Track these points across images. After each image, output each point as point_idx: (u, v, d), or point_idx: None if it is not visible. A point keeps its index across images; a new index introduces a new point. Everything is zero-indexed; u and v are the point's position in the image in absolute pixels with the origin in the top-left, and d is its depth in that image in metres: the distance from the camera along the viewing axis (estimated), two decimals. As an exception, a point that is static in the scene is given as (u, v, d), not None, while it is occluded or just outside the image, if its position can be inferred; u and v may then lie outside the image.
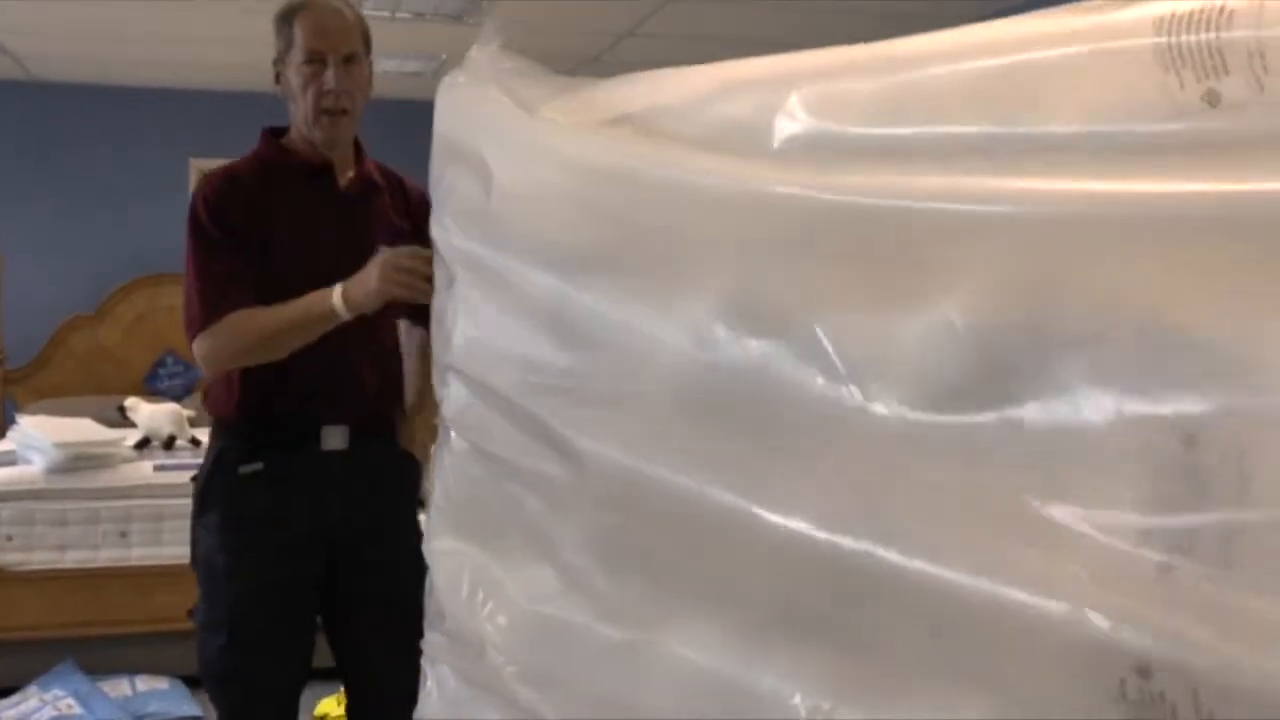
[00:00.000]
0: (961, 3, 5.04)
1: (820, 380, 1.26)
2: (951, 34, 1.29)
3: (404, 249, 2.28)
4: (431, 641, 2.00)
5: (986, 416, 1.11)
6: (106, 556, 4.73)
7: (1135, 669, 0.92)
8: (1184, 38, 1.00)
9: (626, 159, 1.57)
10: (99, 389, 6.35)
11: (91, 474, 4.82)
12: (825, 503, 1.24)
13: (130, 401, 5.54)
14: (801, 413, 1.29)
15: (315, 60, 2.52)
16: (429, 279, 2.13)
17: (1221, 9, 0.98)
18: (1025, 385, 1.08)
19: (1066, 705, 1.00)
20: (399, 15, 5.33)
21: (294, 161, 2.63)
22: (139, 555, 4.72)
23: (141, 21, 5.60)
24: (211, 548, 2.59)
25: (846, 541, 1.20)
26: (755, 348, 1.35)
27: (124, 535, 4.76)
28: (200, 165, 6.97)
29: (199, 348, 2.52)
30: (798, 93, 1.39)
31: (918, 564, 1.13)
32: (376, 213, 2.67)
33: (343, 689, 2.82)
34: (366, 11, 5.23)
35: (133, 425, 5.38)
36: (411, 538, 2.67)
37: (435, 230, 2.00)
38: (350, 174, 2.67)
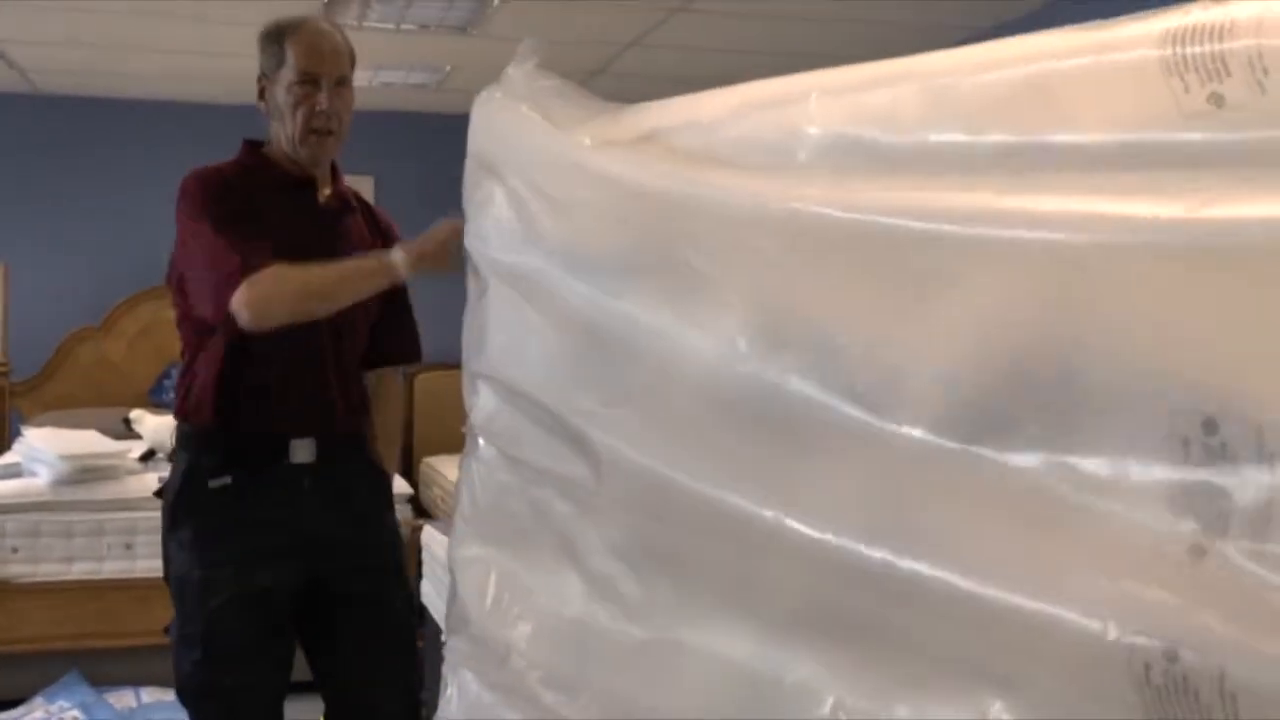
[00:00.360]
0: (963, 15, 5.06)
1: (841, 398, 1.28)
2: (970, 50, 1.31)
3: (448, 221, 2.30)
4: (454, 648, 2.01)
5: (1006, 430, 1.13)
6: (112, 568, 4.74)
7: (1162, 653, 0.94)
8: (1189, 48, 1.03)
9: (656, 178, 1.59)
10: (104, 401, 6.35)
11: (97, 486, 4.82)
12: (847, 511, 1.26)
13: (135, 413, 5.54)
14: (823, 426, 1.31)
15: (308, 81, 2.54)
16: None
17: (1223, 20, 1.02)
18: (1045, 396, 1.10)
19: (1090, 694, 1.01)
20: (404, 27, 5.34)
21: (278, 173, 2.63)
22: (144, 567, 4.71)
23: (146, 35, 5.62)
24: (185, 562, 2.57)
25: (868, 549, 1.22)
26: (778, 362, 1.37)
27: (129, 547, 4.76)
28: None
29: (245, 296, 2.36)
30: (822, 107, 1.41)
31: (937, 565, 1.15)
32: (351, 230, 2.70)
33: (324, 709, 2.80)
34: (371, 23, 5.27)
35: (138, 437, 5.38)
36: (388, 547, 2.75)
37: (471, 241, 2.02)
38: (328, 190, 2.69)
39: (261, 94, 2.64)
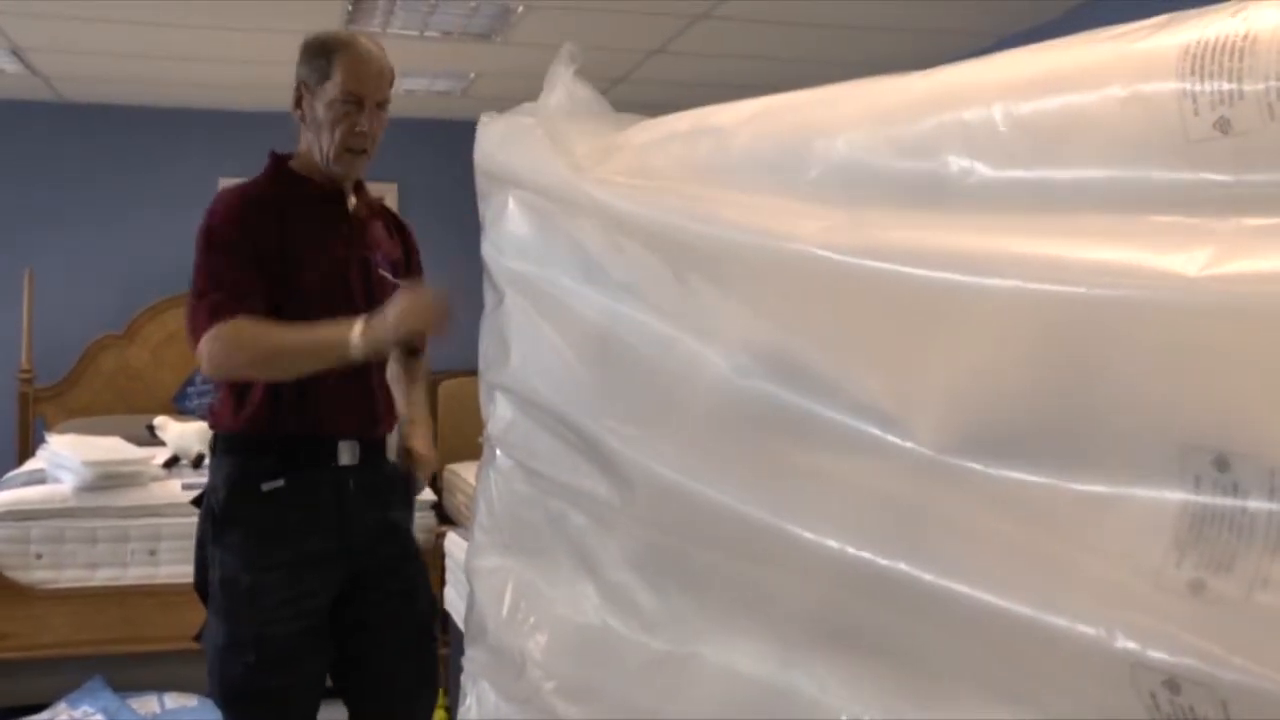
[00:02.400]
0: (988, 22, 5.04)
1: (851, 414, 1.28)
2: (986, 67, 1.28)
3: (421, 289, 2.45)
4: (472, 658, 2.01)
5: (1015, 452, 1.13)
6: (136, 574, 4.75)
7: (1165, 684, 0.94)
8: (1206, 66, 1.00)
9: (657, 215, 1.58)
10: (128, 408, 6.38)
11: (121, 492, 4.84)
12: (860, 524, 1.25)
13: (159, 420, 5.56)
14: (835, 441, 1.31)
15: (351, 101, 2.60)
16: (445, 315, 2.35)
17: (1245, 35, 0.98)
18: (1055, 424, 1.10)
19: (1100, 718, 1.01)
20: (427, 34, 5.35)
21: (307, 185, 2.69)
22: (168, 573, 4.73)
23: (170, 43, 5.64)
24: (233, 566, 2.59)
25: (883, 562, 1.21)
26: (787, 380, 1.37)
27: (153, 553, 4.77)
28: (229, 185, 7.01)
29: (206, 347, 2.48)
30: (835, 124, 1.40)
31: (951, 584, 1.14)
32: (375, 238, 2.77)
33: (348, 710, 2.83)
34: (395, 30, 5.28)
35: (162, 444, 5.40)
36: (413, 542, 2.86)
37: (487, 250, 2.02)
38: (354, 199, 2.74)
39: (299, 102, 2.67)
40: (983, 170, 1.20)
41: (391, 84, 2.71)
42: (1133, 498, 1.03)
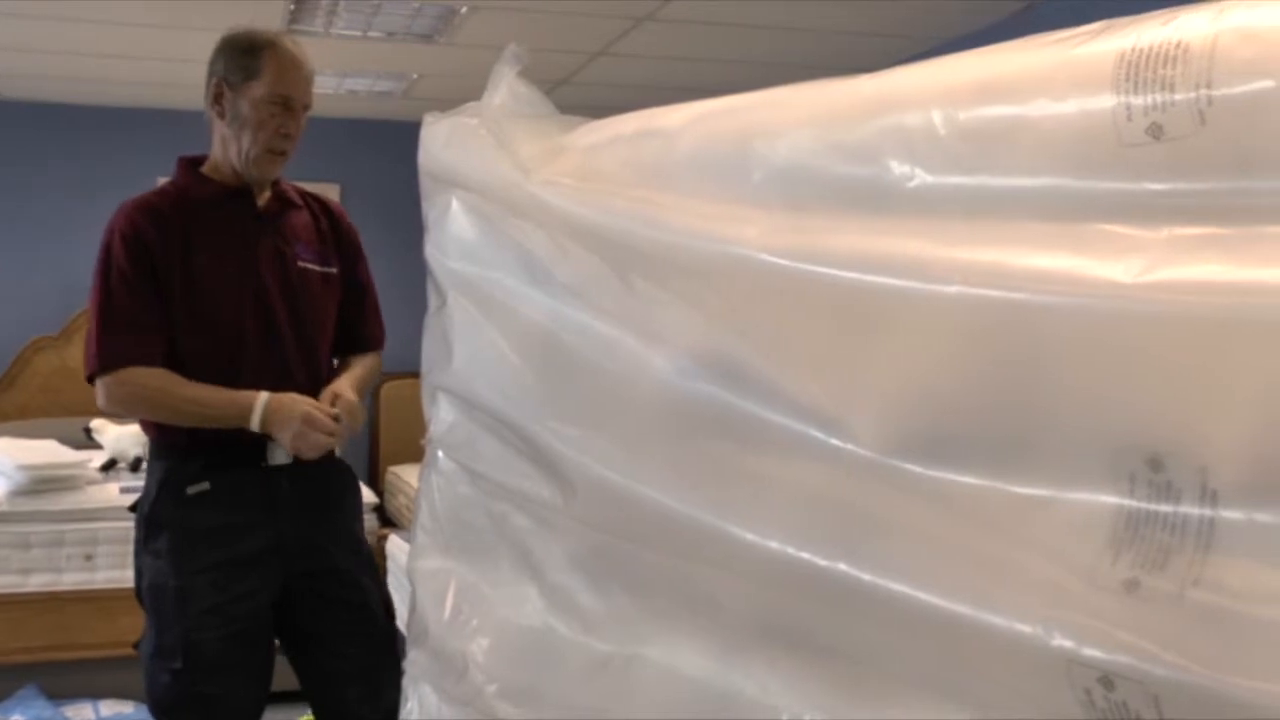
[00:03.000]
0: (933, 26, 5.08)
1: (792, 417, 1.29)
2: (926, 71, 1.29)
3: (325, 410, 2.51)
4: (414, 660, 2.00)
5: (952, 453, 1.14)
6: (71, 580, 4.68)
7: (1099, 680, 0.96)
8: (1141, 71, 1.02)
9: (606, 215, 1.58)
10: (64, 411, 6.29)
11: (56, 496, 4.76)
12: (798, 524, 1.26)
13: (96, 423, 5.49)
14: (776, 443, 1.31)
15: (278, 102, 2.57)
16: (333, 434, 2.51)
17: (1178, 43, 1.00)
18: (993, 427, 1.12)
19: (1037, 715, 1.03)
20: (370, 35, 5.32)
21: (212, 187, 2.65)
22: (104, 578, 4.67)
23: (109, 41, 5.58)
24: (161, 572, 2.54)
25: (822, 562, 1.22)
26: (729, 382, 1.38)
27: (89, 558, 4.70)
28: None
29: (100, 391, 2.54)
30: (779, 128, 1.41)
31: (890, 584, 1.15)
32: (294, 229, 2.71)
33: (310, 712, 2.79)
34: (338, 31, 5.25)
35: (99, 447, 5.33)
36: (362, 548, 2.78)
37: (430, 251, 2.01)
38: (267, 194, 2.71)
39: (218, 99, 2.63)
40: (923, 175, 1.21)
41: (312, 86, 2.68)
42: (1070, 498, 1.04)
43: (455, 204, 1.90)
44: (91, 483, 4.96)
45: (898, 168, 1.23)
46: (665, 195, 1.52)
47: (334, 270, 2.74)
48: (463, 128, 1.92)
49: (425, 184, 2.03)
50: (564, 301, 1.63)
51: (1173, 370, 0.97)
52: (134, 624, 4.52)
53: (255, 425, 2.46)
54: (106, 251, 2.57)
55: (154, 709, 2.60)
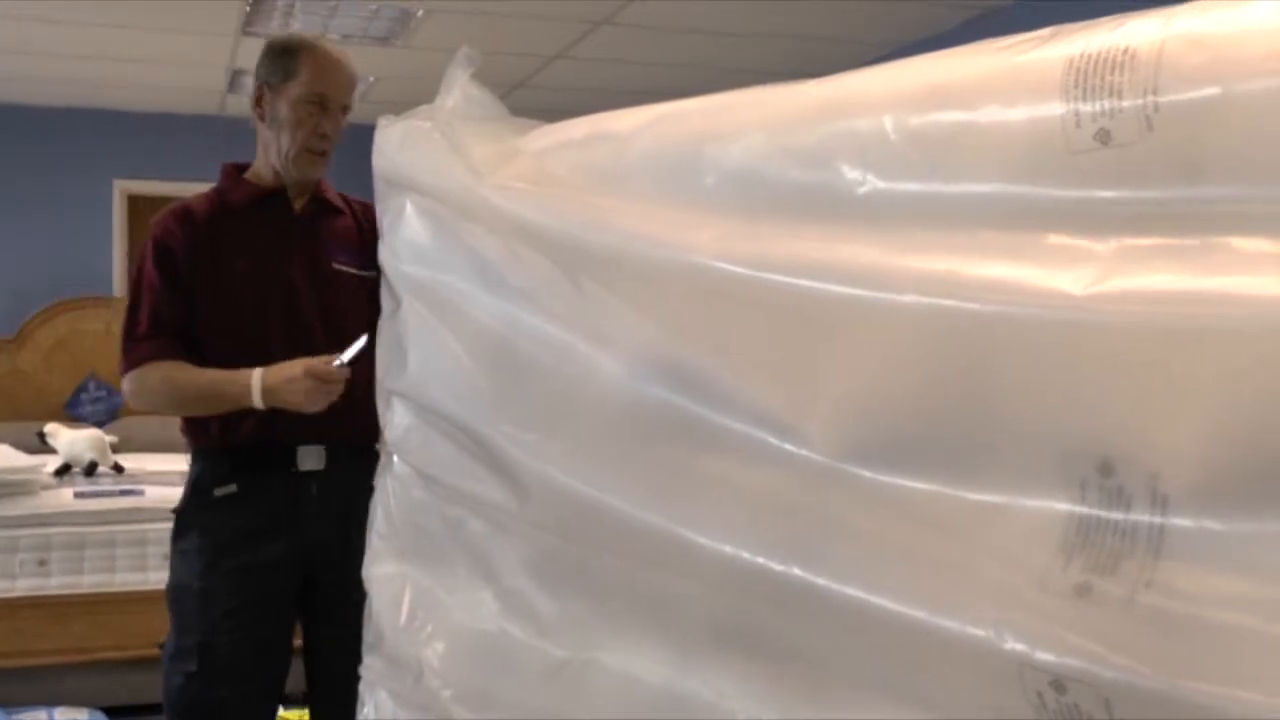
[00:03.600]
0: (893, 30, 5.11)
1: (746, 422, 1.29)
2: (877, 76, 1.29)
3: (324, 359, 2.47)
4: (370, 666, 1.99)
5: (904, 466, 1.15)
6: (25, 586, 4.63)
7: (1051, 684, 0.96)
8: (1089, 78, 1.02)
9: (559, 220, 1.57)
10: (18, 415, 6.23)
11: (9, 501, 4.72)
12: (752, 529, 1.26)
13: (50, 427, 5.44)
14: (730, 447, 1.32)
15: (316, 102, 2.61)
16: (341, 380, 2.45)
17: (1125, 49, 1.01)
18: (944, 431, 1.12)
19: (991, 718, 1.03)
20: (327, 37, 5.30)
21: (248, 190, 2.70)
22: (58, 584, 4.63)
23: (62, 40, 5.53)
24: (185, 573, 2.60)
25: (775, 565, 1.22)
26: (682, 387, 1.38)
27: (43, 564, 4.66)
28: (125, 187, 6.89)
29: (125, 386, 2.65)
30: (732, 132, 1.41)
31: (844, 588, 1.15)
32: (332, 232, 2.74)
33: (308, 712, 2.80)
34: (293, 30, 5.22)
35: (53, 451, 5.28)
36: None
37: (383, 254, 2.00)
38: (305, 198, 2.74)
39: (259, 101, 2.68)
40: (875, 181, 1.21)
41: (354, 89, 2.73)
42: (1022, 504, 1.05)
43: (409, 207, 1.90)
44: (46, 488, 4.92)
45: (849, 173, 1.23)
46: (617, 200, 1.51)
47: (374, 274, 2.74)
48: (416, 131, 1.91)
49: (379, 188, 2.02)
50: (517, 305, 1.63)
51: (1123, 378, 0.98)
52: (87, 631, 4.51)
53: (257, 399, 2.47)
54: (140, 257, 2.65)
55: (168, 711, 2.63)
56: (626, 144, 1.57)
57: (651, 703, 1.43)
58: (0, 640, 4.51)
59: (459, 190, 1.74)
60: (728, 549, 1.28)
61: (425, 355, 1.85)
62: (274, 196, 2.69)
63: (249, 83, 6.22)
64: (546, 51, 5.65)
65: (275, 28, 5.17)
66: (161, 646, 2.66)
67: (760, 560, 1.24)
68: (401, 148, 1.94)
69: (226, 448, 2.61)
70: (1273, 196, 0.92)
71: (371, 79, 6.00)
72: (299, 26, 5.18)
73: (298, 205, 2.71)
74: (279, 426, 2.58)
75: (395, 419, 1.96)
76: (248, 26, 5.20)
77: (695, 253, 1.35)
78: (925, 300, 1.11)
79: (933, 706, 1.11)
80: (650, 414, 1.41)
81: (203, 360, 2.57)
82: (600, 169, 1.59)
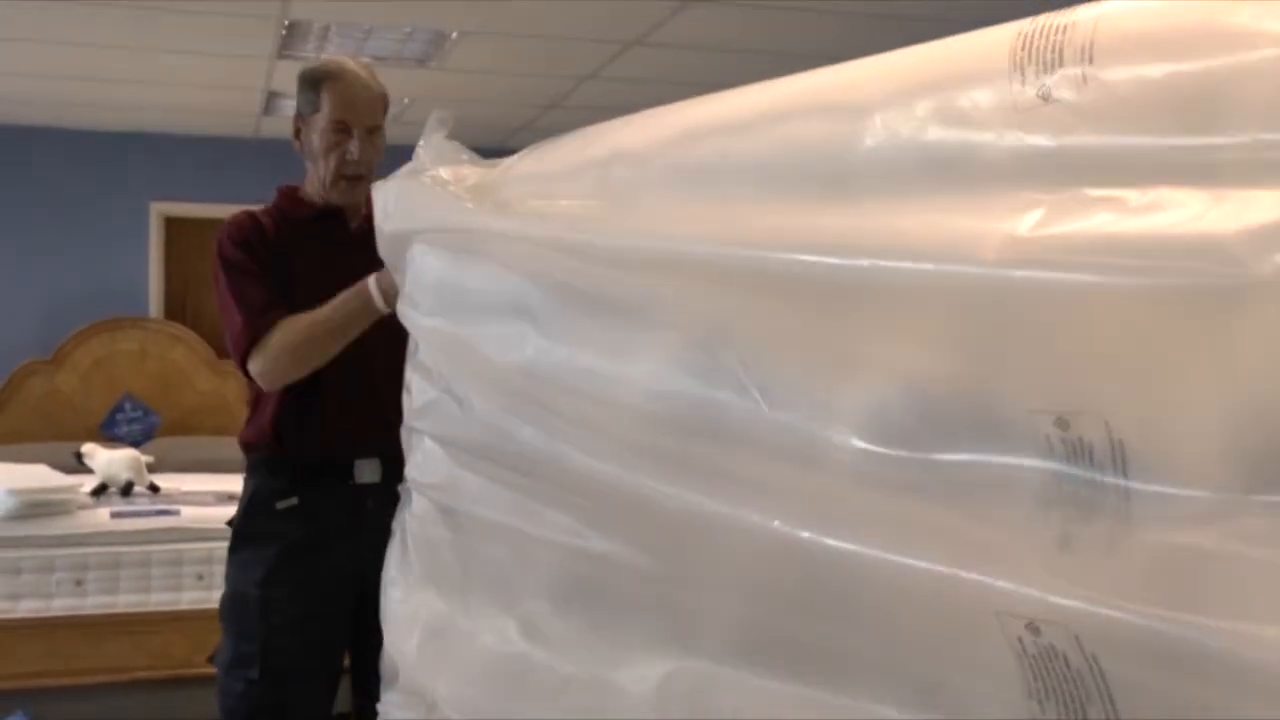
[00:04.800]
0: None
1: (776, 417, 1.30)
2: (866, 65, 1.33)
3: None
4: (387, 700, 2.01)
5: (921, 454, 1.17)
6: (61, 605, 4.65)
7: (1026, 626, 1.00)
8: (1035, 41, 1.07)
9: (570, 232, 1.59)
10: (55, 435, 6.27)
11: (46, 521, 4.75)
12: (781, 515, 1.27)
13: (87, 447, 5.48)
14: (758, 443, 1.32)
15: (341, 130, 2.68)
16: None
17: (1069, 16, 1.06)
18: (939, 409, 1.15)
19: (979, 664, 1.08)
20: (361, 59, 5.33)
21: (307, 208, 2.77)
22: (94, 604, 4.65)
23: (100, 65, 5.59)
24: (243, 582, 2.66)
25: (797, 544, 1.24)
26: (711, 382, 1.38)
27: (79, 584, 4.68)
28: (161, 209, 6.95)
29: (255, 366, 2.60)
30: (708, 128, 1.46)
31: (858, 561, 1.18)
32: None
33: None
34: (329, 55, 5.26)
35: (89, 471, 5.31)
36: None
37: (401, 306, 2.04)
38: (358, 218, 2.77)
39: (297, 134, 2.77)
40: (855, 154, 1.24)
41: (385, 110, 2.78)
42: (1004, 462, 1.08)
43: (417, 251, 1.94)
44: (83, 507, 4.95)
45: (859, 153, 1.26)
46: (624, 206, 1.54)
47: None
48: (410, 182, 1.97)
49: (384, 247, 2.07)
50: (530, 324, 1.64)
51: (1065, 332, 1.02)
52: (123, 650, 4.53)
53: (378, 299, 2.42)
54: (219, 258, 2.69)
55: (226, 718, 2.68)
56: (637, 159, 1.58)
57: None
58: (36, 660, 4.53)
59: (460, 220, 1.79)
60: (755, 517, 1.29)
61: (443, 393, 1.87)
62: (330, 215, 2.76)
63: (284, 105, 6.31)
64: (579, 72, 5.67)
65: (311, 51, 5.21)
66: (212, 659, 2.72)
67: (783, 529, 1.25)
68: (399, 200, 2.00)
69: (288, 458, 2.67)
70: (1198, 146, 0.96)
71: (406, 100, 6.03)
72: (334, 49, 5.21)
73: (352, 225, 2.77)
74: (338, 439, 2.64)
75: (418, 456, 1.99)
76: (283, 50, 5.24)
77: (706, 242, 1.37)
78: (939, 269, 1.13)
79: (944, 680, 1.15)
80: (674, 411, 1.42)
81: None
82: (600, 181, 1.60)
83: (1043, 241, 1.02)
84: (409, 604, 1.96)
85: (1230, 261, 0.91)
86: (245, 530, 2.70)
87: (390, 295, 2.37)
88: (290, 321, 2.57)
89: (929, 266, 1.12)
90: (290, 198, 2.82)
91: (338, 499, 2.66)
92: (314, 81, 2.71)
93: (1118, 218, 0.99)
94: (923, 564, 1.11)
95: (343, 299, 2.50)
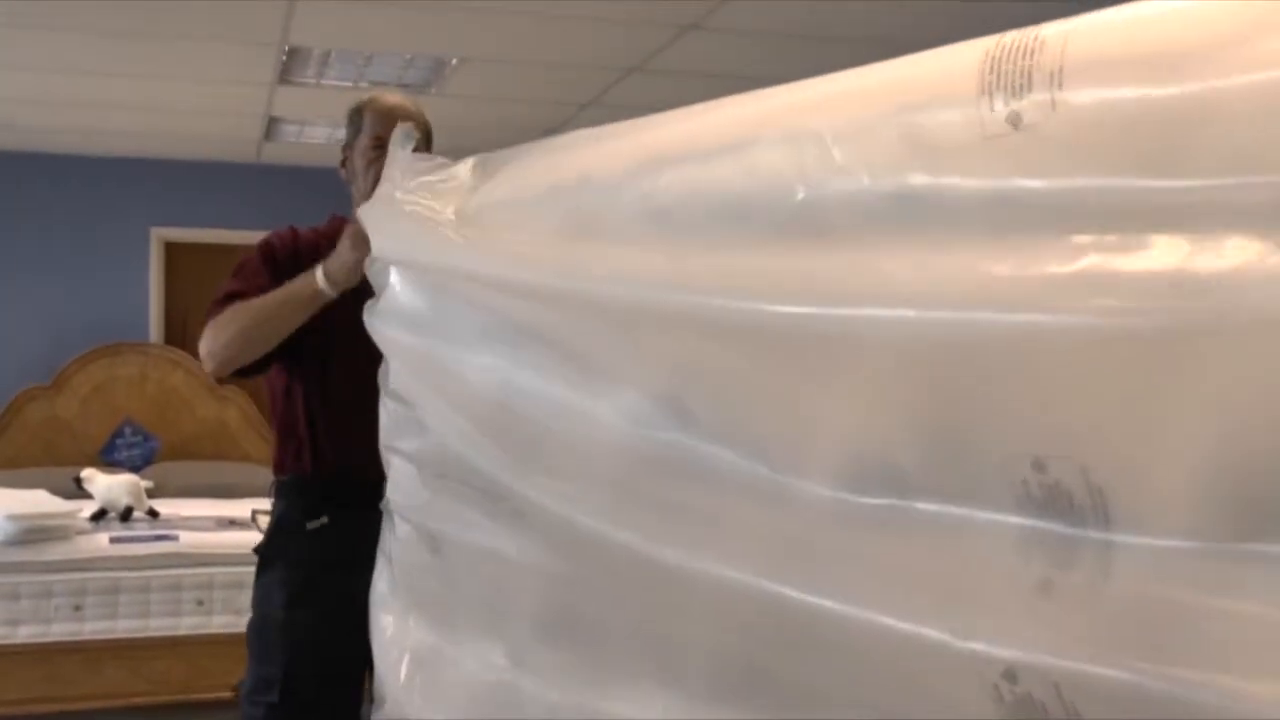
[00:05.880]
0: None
1: (746, 462, 1.30)
2: (811, 86, 1.32)
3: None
4: None
5: (898, 498, 1.16)
6: (60, 631, 4.65)
7: (1003, 674, 0.99)
8: (1003, 64, 1.04)
9: (541, 274, 1.58)
10: (55, 460, 6.27)
11: (45, 546, 4.75)
12: (755, 559, 1.27)
13: (87, 473, 5.47)
14: (733, 485, 1.32)
15: (379, 146, 2.64)
16: None
17: (1036, 36, 1.04)
18: (917, 454, 1.14)
19: (957, 710, 1.07)
20: (361, 85, 5.35)
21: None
22: (92, 630, 4.64)
23: (103, 91, 5.60)
24: (270, 603, 2.65)
25: (772, 588, 1.24)
26: (683, 429, 1.38)
27: (78, 609, 4.67)
28: (162, 235, 6.95)
29: (201, 347, 2.62)
30: (663, 161, 1.45)
31: (835, 606, 1.17)
32: None
33: None
34: (329, 82, 5.28)
35: (89, 497, 5.31)
36: None
37: (368, 319, 2.04)
38: None
39: (343, 163, 2.80)
40: (812, 187, 1.22)
41: (429, 137, 2.73)
42: (986, 509, 1.07)
43: (394, 277, 1.94)
44: (81, 533, 4.95)
45: (786, 183, 1.25)
46: (598, 245, 1.53)
47: None
48: (391, 210, 1.98)
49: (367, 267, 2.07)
50: (505, 359, 1.64)
51: (1040, 376, 1.00)
52: (121, 676, 4.52)
53: (324, 283, 2.45)
54: (251, 257, 2.72)
55: None
56: (607, 189, 1.57)
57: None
58: (35, 685, 4.52)
59: (437, 256, 1.79)
60: (729, 575, 1.28)
61: (420, 414, 1.87)
62: None
63: (285, 131, 6.33)
64: (579, 98, 5.69)
65: (311, 77, 5.23)
66: (237, 687, 2.69)
67: (758, 584, 1.25)
68: (380, 226, 2.01)
69: (319, 479, 2.67)
70: (1170, 188, 0.94)
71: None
72: (334, 76, 5.23)
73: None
74: (371, 458, 2.61)
75: (396, 476, 1.99)
76: (284, 76, 5.26)
77: (680, 290, 1.35)
78: (901, 314, 1.12)
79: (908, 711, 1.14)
80: (650, 455, 1.41)
81: (291, 384, 2.66)
82: (582, 218, 1.59)
83: (1017, 283, 1.01)
84: (396, 629, 1.96)
85: (1207, 303, 0.90)
86: (272, 552, 2.69)
87: (338, 278, 2.42)
88: (239, 305, 2.57)
89: (907, 313, 1.11)
90: (336, 221, 2.82)
91: (368, 518, 2.60)
92: (356, 109, 2.77)
93: (1093, 259, 0.97)
94: (899, 609, 1.10)
95: (289, 285, 2.52)
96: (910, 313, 1.10)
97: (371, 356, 2.53)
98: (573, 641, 1.59)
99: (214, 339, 2.58)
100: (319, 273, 2.46)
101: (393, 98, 2.79)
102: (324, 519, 2.65)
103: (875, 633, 1.12)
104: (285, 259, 2.68)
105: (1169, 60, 0.95)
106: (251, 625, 2.70)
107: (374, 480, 2.60)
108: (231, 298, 2.61)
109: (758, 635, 1.29)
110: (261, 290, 2.59)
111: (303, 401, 2.68)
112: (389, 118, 2.66)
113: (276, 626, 2.62)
